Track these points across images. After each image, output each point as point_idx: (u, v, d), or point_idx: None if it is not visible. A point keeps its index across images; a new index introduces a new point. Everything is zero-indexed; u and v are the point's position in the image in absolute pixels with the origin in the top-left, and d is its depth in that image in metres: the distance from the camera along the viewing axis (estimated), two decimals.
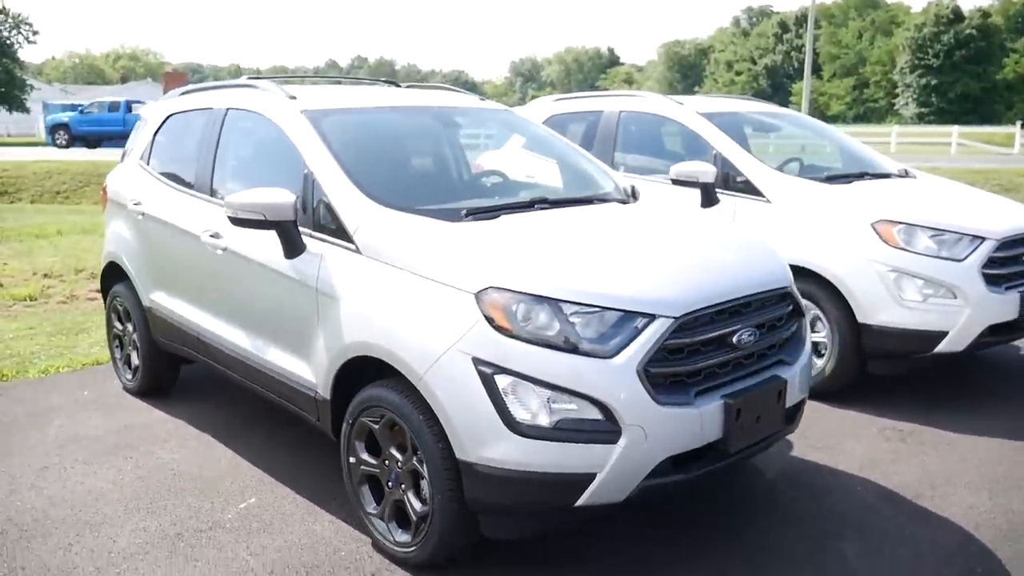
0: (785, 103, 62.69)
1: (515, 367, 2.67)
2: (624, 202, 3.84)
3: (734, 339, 2.94)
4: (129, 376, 5.09)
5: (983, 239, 4.51)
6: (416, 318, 2.89)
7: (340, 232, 3.26)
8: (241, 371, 3.93)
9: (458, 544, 2.97)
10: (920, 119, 55.37)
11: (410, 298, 2.94)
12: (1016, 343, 5.78)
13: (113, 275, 5.07)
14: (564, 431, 2.67)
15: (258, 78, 4.30)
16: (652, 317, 2.74)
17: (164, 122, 4.79)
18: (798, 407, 3.37)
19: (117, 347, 5.22)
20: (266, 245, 3.49)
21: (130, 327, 4.96)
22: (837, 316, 4.65)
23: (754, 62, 74.17)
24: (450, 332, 2.77)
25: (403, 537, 3.09)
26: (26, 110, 45.41)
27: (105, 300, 5.30)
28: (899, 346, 4.56)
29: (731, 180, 5.19)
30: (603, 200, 3.81)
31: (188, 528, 3.44)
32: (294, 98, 3.84)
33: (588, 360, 2.68)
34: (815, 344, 4.80)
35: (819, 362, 4.78)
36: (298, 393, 3.50)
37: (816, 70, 64.09)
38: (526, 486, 2.70)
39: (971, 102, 56.43)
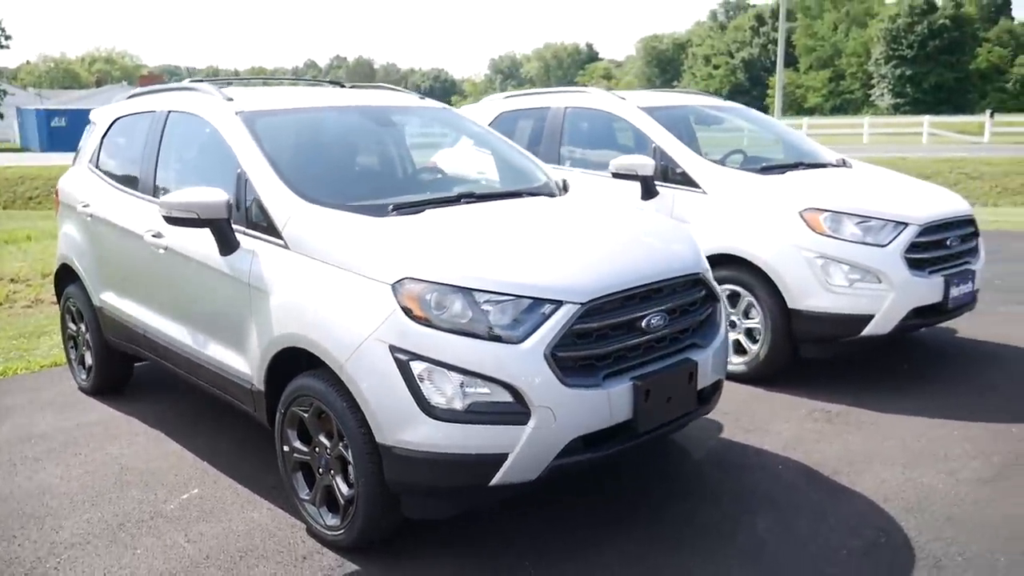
0: (763, 96, 62.99)
1: (430, 354, 2.81)
2: (552, 195, 3.97)
3: (643, 323, 3.09)
4: (84, 376, 5.18)
5: (906, 225, 4.68)
6: (338, 309, 3.02)
7: (270, 229, 3.38)
8: (185, 367, 4.03)
9: (382, 526, 3.10)
10: (896, 110, 55.89)
11: (333, 290, 3.06)
12: (951, 326, 5.98)
13: (66, 276, 5.16)
14: (476, 414, 2.81)
15: (200, 81, 4.40)
16: (559, 303, 2.87)
17: (112, 125, 4.88)
18: (715, 388, 3.53)
19: (72, 347, 5.31)
20: (204, 243, 3.60)
21: (83, 327, 5.05)
22: (769, 302, 4.81)
23: (731, 55, 74.49)
24: (369, 322, 2.90)
25: (332, 521, 3.21)
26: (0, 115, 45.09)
27: (59, 301, 5.39)
28: (828, 330, 4.72)
29: (670, 172, 5.34)
30: (532, 194, 3.95)
31: (130, 519, 3.55)
32: (231, 100, 3.95)
33: (498, 346, 2.81)
34: (750, 330, 4.96)
35: (753, 347, 4.94)
36: (236, 385, 3.62)
37: (792, 63, 64.53)
38: (442, 467, 2.84)
39: (945, 92, 57.02)
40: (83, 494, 3.79)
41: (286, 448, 3.36)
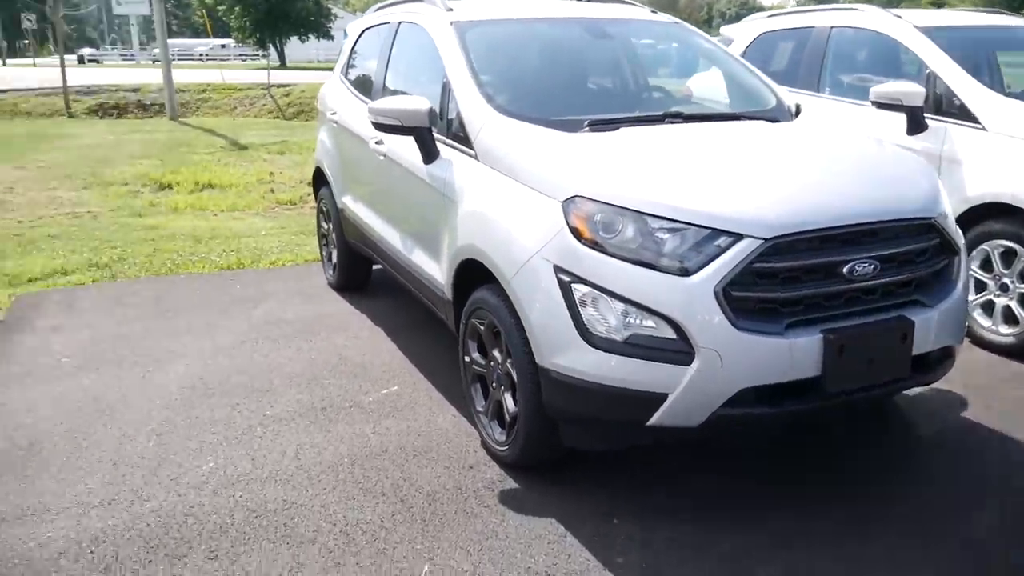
0: None
1: (593, 278, 2.65)
2: (775, 120, 3.55)
3: (845, 270, 2.67)
4: (331, 272, 5.66)
5: None
6: (511, 224, 2.95)
7: (465, 139, 3.38)
8: (398, 270, 4.24)
9: (542, 448, 3.05)
10: None
11: (509, 204, 3.00)
12: None
13: (319, 179, 5.61)
14: (636, 347, 2.62)
15: None
16: (738, 237, 2.56)
17: (359, 37, 5.16)
18: (945, 355, 3.00)
19: (324, 245, 5.81)
20: (411, 151, 3.69)
21: (331, 227, 5.48)
22: None
23: None
24: (537, 239, 2.81)
25: (501, 436, 3.22)
26: (330, 37, 50.13)
27: (316, 202, 5.89)
28: None
29: (944, 104, 4.55)
30: (752, 118, 3.56)
31: (332, 404, 3.84)
32: (451, 10, 3.97)
33: (665, 277, 2.58)
34: None
35: None
36: (432, 292, 3.74)
37: None
38: (597, 397, 2.69)
39: None
40: (301, 376, 4.16)
41: (467, 359, 3.41)
